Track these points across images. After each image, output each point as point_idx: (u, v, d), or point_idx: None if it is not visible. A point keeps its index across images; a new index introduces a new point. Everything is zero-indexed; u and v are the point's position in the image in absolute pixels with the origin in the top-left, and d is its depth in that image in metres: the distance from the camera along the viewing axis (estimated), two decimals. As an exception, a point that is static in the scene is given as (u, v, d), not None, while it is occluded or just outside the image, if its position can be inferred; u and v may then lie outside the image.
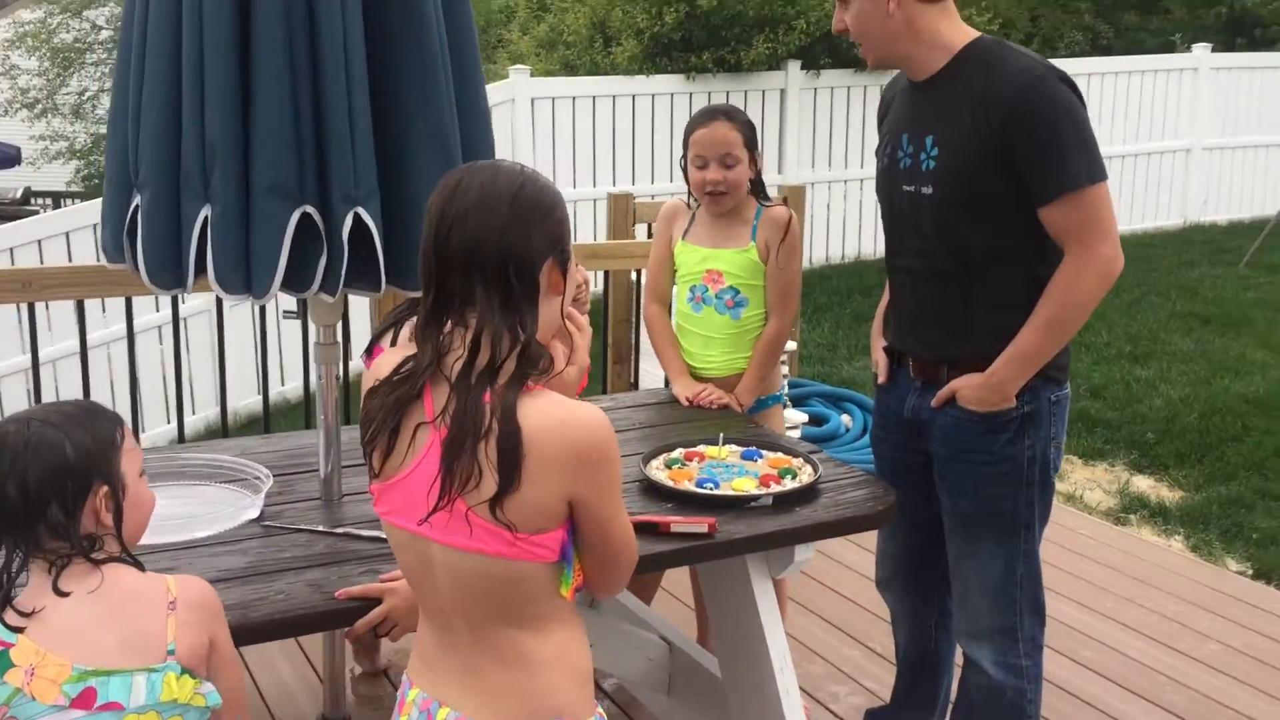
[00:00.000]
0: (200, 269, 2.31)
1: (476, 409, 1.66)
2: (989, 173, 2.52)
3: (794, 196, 5.16)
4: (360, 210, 2.25)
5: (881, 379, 2.87)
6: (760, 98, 9.72)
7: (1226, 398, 6.51)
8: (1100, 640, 3.88)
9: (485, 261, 1.67)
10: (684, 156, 3.28)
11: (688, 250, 3.33)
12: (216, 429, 5.38)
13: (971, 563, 2.76)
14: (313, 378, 3.30)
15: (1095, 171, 2.50)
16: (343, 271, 2.26)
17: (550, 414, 1.67)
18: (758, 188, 3.30)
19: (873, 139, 3.00)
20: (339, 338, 2.60)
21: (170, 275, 2.33)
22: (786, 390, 3.42)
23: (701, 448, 2.87)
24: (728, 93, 9.60)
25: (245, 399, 6.77)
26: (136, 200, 2.33)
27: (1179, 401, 6.46)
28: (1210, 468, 5.62)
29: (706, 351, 3.33)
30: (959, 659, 2.96)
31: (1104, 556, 4.56)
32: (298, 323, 4.66)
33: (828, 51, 9.76)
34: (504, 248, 1.67)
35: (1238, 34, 16.04)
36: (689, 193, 3.34)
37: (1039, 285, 2.60)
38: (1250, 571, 4.57)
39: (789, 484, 2.67)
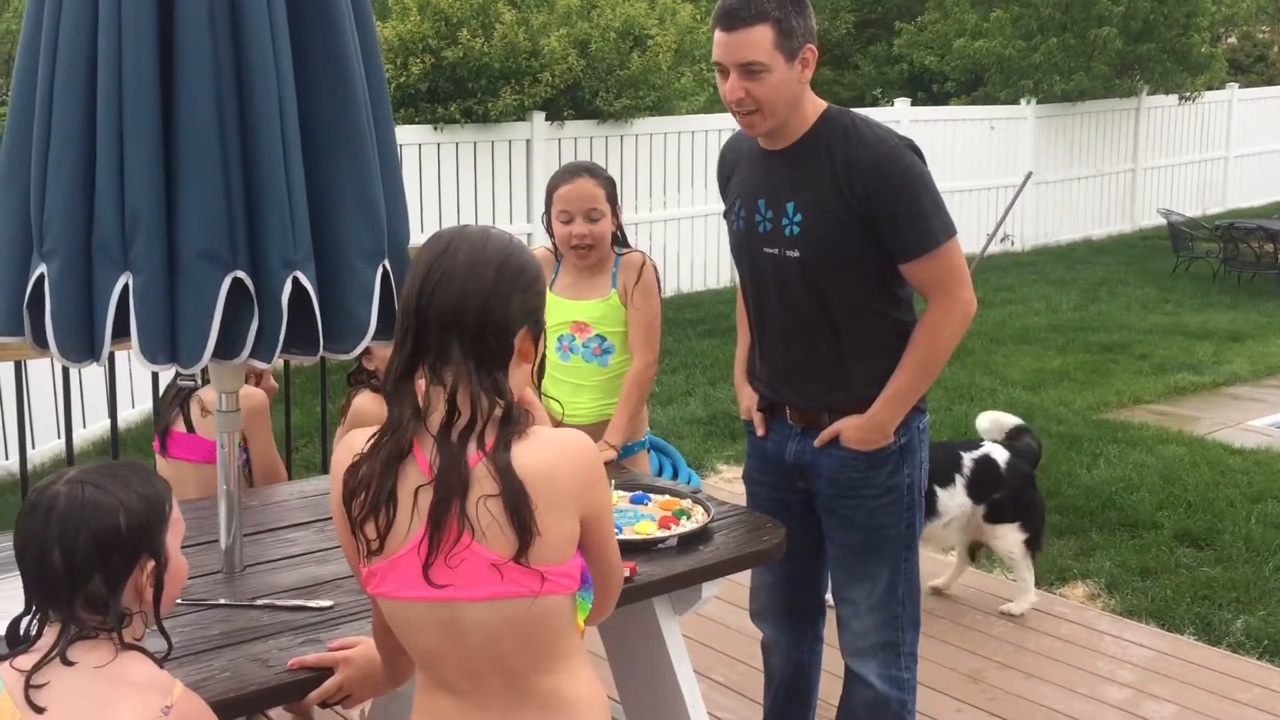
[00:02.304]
0: (116, 336, 2.20)
1: (461, 468, 1.71)
2: (851, 235, 2.73)
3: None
4: (299, 274, 2.20)
5: (761, 433, 3.02)
6: (507, 148, 9.86)
7: (967, 422, 7.10)
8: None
9: (465, 322, 1.73)
10: (546, 213, 3.36)
11: (554, 302, 3.38)
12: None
13: (860, 586, 2.95)
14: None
15: (949, 228, 2.77)
16: (281, 337, 2.21)
17: (549, 448, 1.75)
18: (616, 238, 3.41)
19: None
20: (234, 405, 2.51)
21: (83, 346, 2.20)
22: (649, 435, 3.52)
23: (591, 495, 2.94)
24: (475, 143, 9.69)
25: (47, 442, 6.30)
26: (41, 269, 2.19)
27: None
28: (966, 487, 6.13)
29: (575, 399, 3.40)
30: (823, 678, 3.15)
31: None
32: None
33: (571, 104, 10.02)
34: (485, 311, 1.73)
35: (918, 89, 17.54)
36: (553, 244, 3.41)
37: (899, 330, 2.84)
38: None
39: (687, 524, 2.79)
